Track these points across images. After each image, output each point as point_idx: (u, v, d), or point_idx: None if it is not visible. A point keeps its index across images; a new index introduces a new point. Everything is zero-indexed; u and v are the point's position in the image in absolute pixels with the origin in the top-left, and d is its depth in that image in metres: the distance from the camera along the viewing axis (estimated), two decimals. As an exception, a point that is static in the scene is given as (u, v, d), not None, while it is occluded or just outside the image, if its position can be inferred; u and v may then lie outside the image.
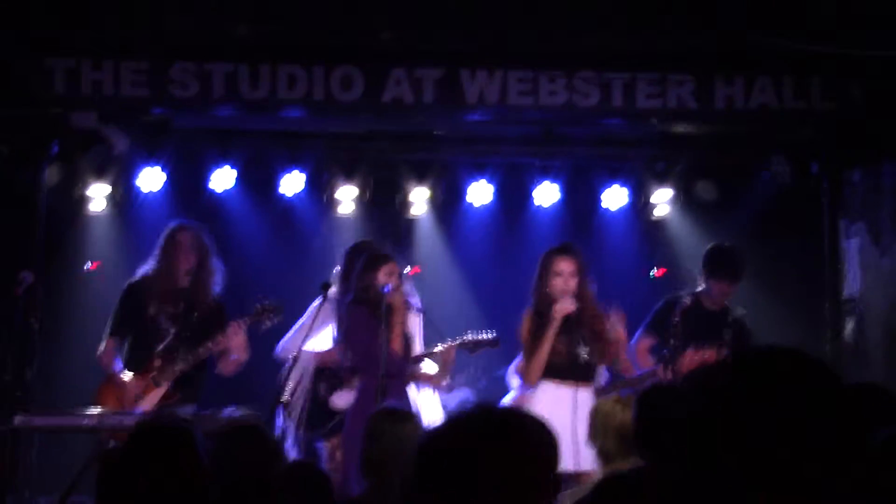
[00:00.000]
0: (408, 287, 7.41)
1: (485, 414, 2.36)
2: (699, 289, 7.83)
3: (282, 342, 7.59)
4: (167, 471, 3.46)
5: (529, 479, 2.27)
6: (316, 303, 7.41)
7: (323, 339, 7.48)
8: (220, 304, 7.56)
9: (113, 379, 7.30)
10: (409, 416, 4.53)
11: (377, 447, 4.26)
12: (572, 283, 7.09)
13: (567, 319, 7.01)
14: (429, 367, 7.36)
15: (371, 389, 6.77)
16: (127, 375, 7.28)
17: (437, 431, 2.35)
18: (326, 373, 7.45)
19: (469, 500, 2.23)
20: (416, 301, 7.38)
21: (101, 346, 7.44)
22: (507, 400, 7.66)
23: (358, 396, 7.03)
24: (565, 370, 7.02)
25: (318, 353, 7.48)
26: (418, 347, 7.38)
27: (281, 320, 7.53)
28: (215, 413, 7.13)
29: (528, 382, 7.12)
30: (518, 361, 7.46)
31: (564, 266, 7.12)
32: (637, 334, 7.81)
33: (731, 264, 7.73)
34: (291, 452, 7.34)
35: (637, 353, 7.76)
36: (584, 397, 6.87)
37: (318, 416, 7.36)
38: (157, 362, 7.30)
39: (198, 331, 7.40)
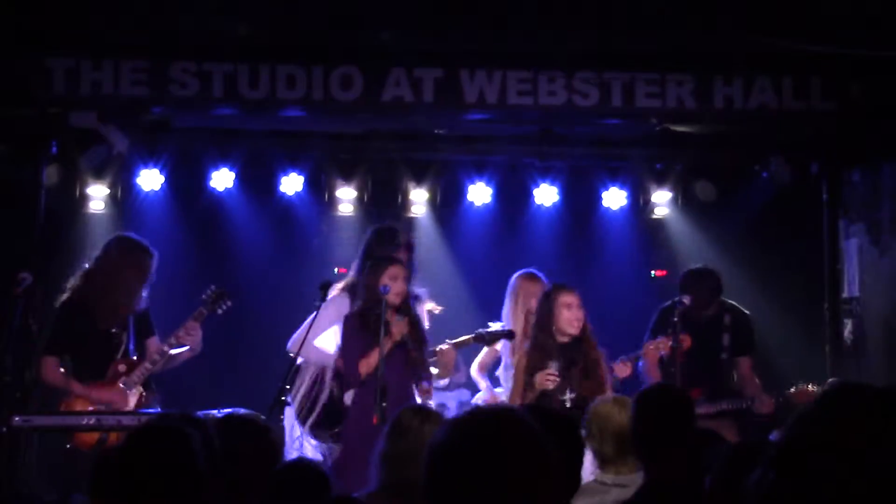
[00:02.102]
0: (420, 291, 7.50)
1: (491, 416, 2.36)
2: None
3: (293, 338, 7.53)
4: (162, 472, 3.46)
5: (536, 480, 2.27)
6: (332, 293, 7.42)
7: (328, 340, 7.47)
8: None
9: (85, 393, 7.26)
10: (436, 417, 4.49)
11: (401, 443, 4.19)
12: (581, 315, 6.98)
13: (563, 366, 6.91)
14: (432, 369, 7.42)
15: (369, 389, 6.78)
16: (96, 387, 7.28)
17: (446, 436, 2.34)
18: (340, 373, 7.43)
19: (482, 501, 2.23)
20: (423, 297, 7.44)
21: (44, 365, 7.34)
22: (478, 398, 7.75)
23: (356, 398, 7.04)
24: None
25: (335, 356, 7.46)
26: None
27: (230, 306, 7.53)
28: (215, 414, 7.12)
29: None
30: (481, 360, 7.73)
31: (571, 299, 7.03)
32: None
33: (697, 291, 7.76)
34: (300, 452, 7.35)
35: (647, 369, 7.76)
36: None
37: (331, 416, 7.34)
38: (122, 367, 7.32)
39: (139, 331, 7.49)
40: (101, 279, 7.45)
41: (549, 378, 6.85)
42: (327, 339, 7.48)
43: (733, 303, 8.02)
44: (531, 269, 7.84)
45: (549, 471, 2.28)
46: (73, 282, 7.53)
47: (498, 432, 2.28)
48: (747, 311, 7.98)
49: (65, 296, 7.49)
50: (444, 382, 7.65)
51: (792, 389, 7.63)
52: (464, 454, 2.26)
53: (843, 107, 8.21)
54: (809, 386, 7.62)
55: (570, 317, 6.98)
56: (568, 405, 6.81)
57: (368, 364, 6.85)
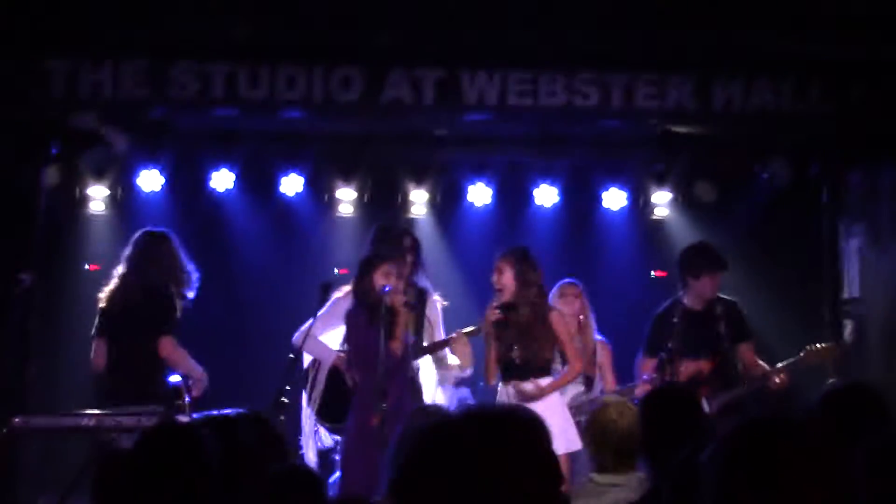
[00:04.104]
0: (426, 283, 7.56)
1: (480, 414, 2.34)
2: (680, 294, 7.85)
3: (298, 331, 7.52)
4: (172, 473, 3.46)
5: (526, 480, 2.25)
6: (338, 294, 7.43)
7: (334, 338, 7.49)
8: None
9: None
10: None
11: None
12: (499, 280, 7.32)
13: (499, 325, 7.28)
14: (451, 359, 7.56)
15: (369, 389, 6.78)
16: None
17: (431, 431, 2.32)
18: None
19: (462, 500, 2.21)
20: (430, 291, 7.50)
21: (168, 345, 7.40)
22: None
23: (356, 397, 7.05)
24: (505, 372, 7.33)
25: (337, 354, 7.48)
26: (440, 335, 7.51)
27: None
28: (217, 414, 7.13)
29: (487, 382, 7.50)
30: None
31: (497, 264, 7.37)
32: (638, 358, 7.85)
33: (717, 255, 7.83)
34: (313, 445, 7.41)
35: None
36: (518, 391, 7.19)
37: (339, 408, 7.35)
38: None
39: None
40: (169, 265, 7.50)
41: (492, 312, 7.27)
42: (334, 337, 7.51)
43: (719, 294, 8.01)
44: (571, 280, 7.99)
45: (529, 472, 2.25)
46: (143, 275, 7.48)
47: (489, 428, 2.26)
48: (734, 299, 7.99)
49: (157, 278, 7.46)
50: (468, 371, 7.72)
51: (801, 353, 7.67)
52: (450, 451, 2.23)
53: (843, 108, 8.20)
54: (818, 345, 7.69)
55: (495, 281, 7.35)
56: (517, 361, 7.22)
57: (396, 347, 6.90)
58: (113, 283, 7.52)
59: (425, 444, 2.27)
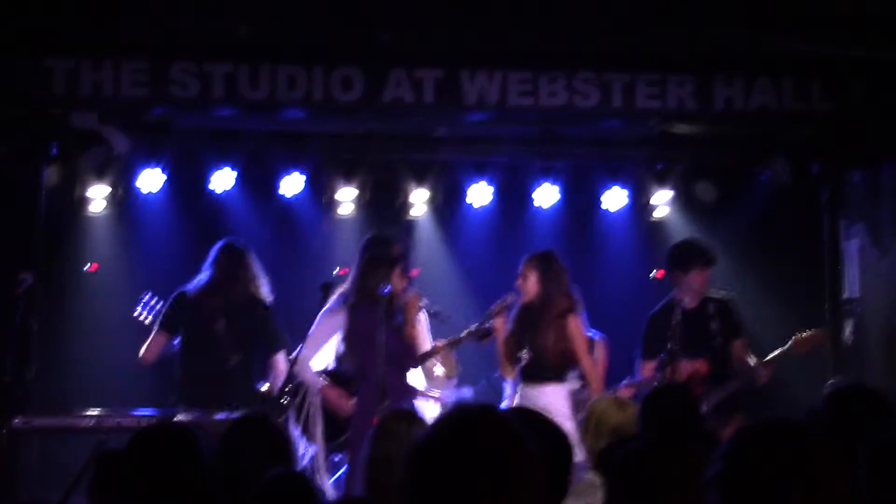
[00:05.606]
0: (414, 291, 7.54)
1: (470, 416, 2.33)
2: (673, 292, 7.85)
3: (299, 353, 7.48)
4: (168, 472, 3.46)
5: (516, 480, 2.24)
6: (329, 304, 7.42)
7: (329, 351, 7.46)
8: None
9: None
10: (419, 420, 4.48)
11: (386, 447, 4.16)
12: (523, 285, 7.39)
13: (515, 324, 7.34)
14: (437, 370, 7.53)
15: (371, 390, 6.77)
16: None
17: (426, 435, 2.32)
18: (340, 383, 7.39)
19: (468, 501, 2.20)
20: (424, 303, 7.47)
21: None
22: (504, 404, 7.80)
23: (359, 398, 7.04)
24: (520, 374, 7.36)
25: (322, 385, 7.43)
26: (427, 347, 7.46)
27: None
28: (216, 414, 7.15)
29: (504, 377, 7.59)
30: None
31: (522, 269, 7.44)
32: (637, 364, 7.85)
33: (704, 250, 7.90)
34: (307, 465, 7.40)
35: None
36: (526, 394, 7.23)
37: (333, 428, 7.32)
38: None
39: None
40: (258, 278, 7.79)
41: (497, 307, 7.38)
42: (328, 353, 7.48)
43: (711, 293, 8.02)
44: None
45: (529, 471, 2.24)
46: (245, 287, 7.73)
47: (476, 432, 2.25)
48: (727, 297, 8.00)
49: (257, 291, 7.72)
50: (454, 381, 7.71)
51: (790, 343, 7.72)
52: (442, 453, 2.23)
53: (843, 107, 8.20)
54: (805, 332, 7.75)
55: (520, 285, 7.44)
56: (527, 362, 7.25)
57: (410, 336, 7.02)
58: (206, 284, 7.62)
59: (422, 447, 2.28)
